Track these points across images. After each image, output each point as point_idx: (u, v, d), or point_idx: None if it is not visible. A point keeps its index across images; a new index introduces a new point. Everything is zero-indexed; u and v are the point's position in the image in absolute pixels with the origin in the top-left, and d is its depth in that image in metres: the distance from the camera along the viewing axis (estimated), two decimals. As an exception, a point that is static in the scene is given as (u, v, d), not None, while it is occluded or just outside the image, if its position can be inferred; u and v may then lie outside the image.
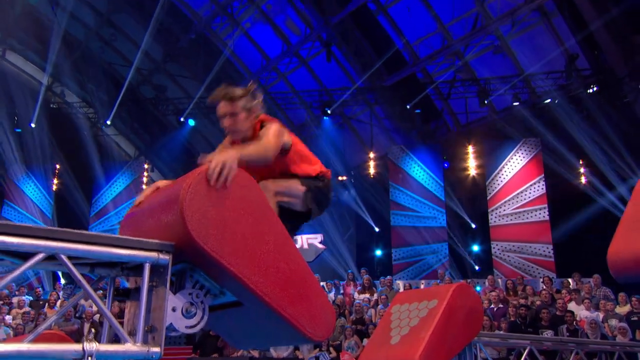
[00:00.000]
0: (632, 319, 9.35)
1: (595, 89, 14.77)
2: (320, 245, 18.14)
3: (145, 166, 19.86)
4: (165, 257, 2.16)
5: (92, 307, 10.92)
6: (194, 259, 2.25)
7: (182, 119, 19.33)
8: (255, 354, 10.37)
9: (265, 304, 2.26)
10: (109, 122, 19.83)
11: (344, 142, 19.98)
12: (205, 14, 18.75)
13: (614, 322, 9.43)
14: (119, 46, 20.40)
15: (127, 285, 2.48)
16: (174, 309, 2.21)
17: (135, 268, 2.24)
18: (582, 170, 16.17)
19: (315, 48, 18.44)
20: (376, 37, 17.45)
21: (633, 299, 9.70)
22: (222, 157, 2.29)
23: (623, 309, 9.91)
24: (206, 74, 18.43)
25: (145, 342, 2.07)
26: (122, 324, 2.19)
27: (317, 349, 9.89)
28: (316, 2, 17.00)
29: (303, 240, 17.90)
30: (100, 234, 2.20)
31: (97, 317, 10.57)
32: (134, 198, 18.47)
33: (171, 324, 2.18)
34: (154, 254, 2.14)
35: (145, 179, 19.52)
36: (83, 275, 2.01)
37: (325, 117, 18.68)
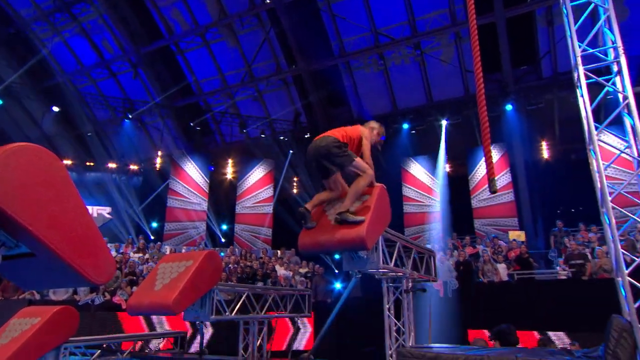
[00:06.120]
0: (307, 275, 10.72)
1: (308, 135, 16.37)
2: (108, 215, 16.04)
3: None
4: (-35, 215, 1.76)
5: None
6: (-6, 218, 1.88)
7: (-9, 98, 15.10)
8: (37, 296, 8.59)
9: (57, 256, 2.02)
10: None
11: (139, 141, 18.15)
12: (27, 16, 15.24)
13: (297, 277, 10.64)
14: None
15: None
16: (-33, 258, 1.82)
17: None
18: (295, 183, 17.77)
19: (124, 66, 16.46)
20: (174, 70, 16.51)
21: (310, 264, 11.11)
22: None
23: (304, 269, 11.22)
24: (20, 65, 15.06)
25: None
26: None
27: (94, 293, 8.72)
28: (130, 34, 15.30)
29: (93, 210, 15.59)
30: None
31: None
32: None
33: (-37, 269, 1.79)
34: (-47, 212, 1.73)
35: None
36: None
37: (126, 120, 16.72)
